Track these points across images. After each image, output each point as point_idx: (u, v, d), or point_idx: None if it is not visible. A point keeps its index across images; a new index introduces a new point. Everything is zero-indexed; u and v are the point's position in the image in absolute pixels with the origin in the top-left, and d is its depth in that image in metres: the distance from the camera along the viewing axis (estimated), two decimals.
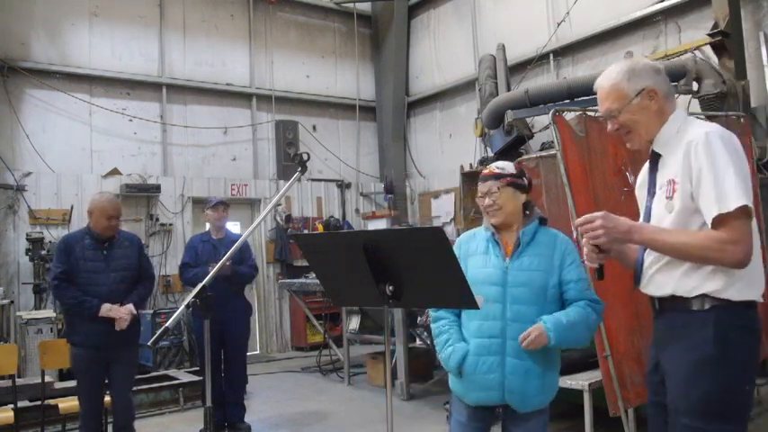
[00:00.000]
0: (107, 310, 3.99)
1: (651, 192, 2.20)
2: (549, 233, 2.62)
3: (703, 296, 2.00)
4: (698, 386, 1.99)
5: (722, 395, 1.97)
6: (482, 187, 2.63)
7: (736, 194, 1.91)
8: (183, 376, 6.55)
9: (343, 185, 10.89)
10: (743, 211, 1.91)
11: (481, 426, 2.62)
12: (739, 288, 1.98)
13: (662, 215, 2.11)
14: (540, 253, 2.54)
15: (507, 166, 2.64)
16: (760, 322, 2.07)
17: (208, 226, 5.55)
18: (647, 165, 2.27)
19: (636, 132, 2.18)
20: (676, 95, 6.38)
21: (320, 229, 9.80)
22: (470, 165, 9.05)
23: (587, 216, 2.08)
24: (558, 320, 2.44)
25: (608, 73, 2.20)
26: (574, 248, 2.58)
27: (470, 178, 9.11)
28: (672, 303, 2.09)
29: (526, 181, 2.63)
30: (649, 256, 2.16)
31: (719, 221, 1.93)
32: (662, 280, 2.11)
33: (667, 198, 2.08)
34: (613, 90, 2.16)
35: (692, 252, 1.98)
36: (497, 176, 2.59)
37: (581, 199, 3.89)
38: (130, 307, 4.09)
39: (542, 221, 2.64)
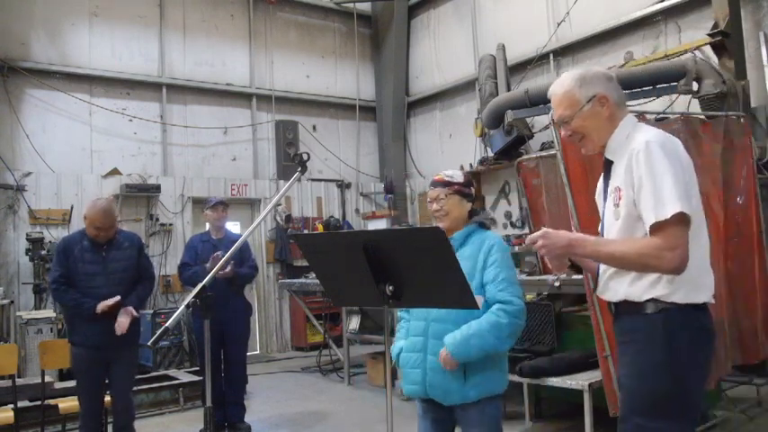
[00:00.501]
0: (103, 306, 3.98)
1: (605, 198, 2.26)
2: (482, 236, 2.71)
3: (654, 300, 2.06)
4: (646, 386, 2.05)
5: (669, 395, 2.03)
6: (431, 193, 2.77)
7: (672, 201, 1.95)
8: (183, 376, 6.55)
9: (343, 185, 10.89)
10: (679, 219, 1.95)
11: (434, 417, 2.72)
12: (685, 292, 2.04)
13: (611, 222, 2.18)
14: (467, 256, 2.63)
15: (456, 175, 2.78)
16: (711, 322, 2.12)
17: (208, 226, 5.56)
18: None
19: (588, 138, 2.24)
20: (676, 95, 6.41)
21: (320, 229, 9.80)
22: (470, 165, 9.06)
23: (530, 236, 2.15)
24: (454, 338, 2.54)
25: (561, 80, 2.27)
26: (499, 249, 2.65)
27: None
28: (626, 307, 2.15)
29: (473, 190, 2.80)
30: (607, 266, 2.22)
31: (656, 228, 1.98)
32: (614, 286, 2.18)
33: (615, 206, 2.14)
34: (566, 97, 2.22)
35: (631, 260, 2.03)
36: (446, 184, 2.73)
37: (581, 199, 3.88)
38: (130, 309, 4.08)
39: (482, 225, 2.75)
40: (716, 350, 2.17)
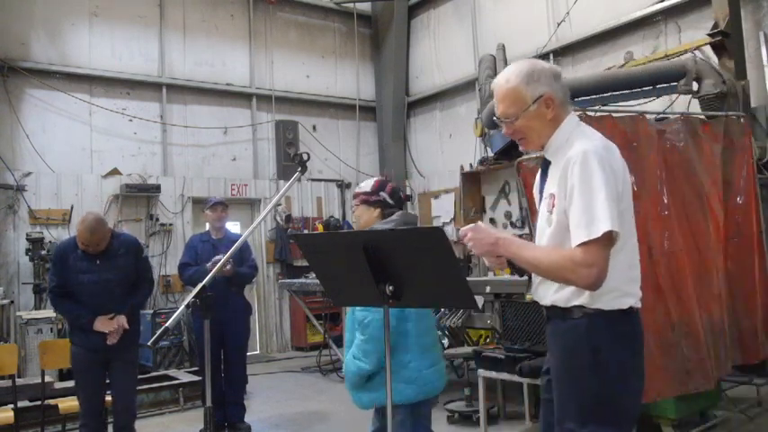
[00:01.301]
0: (100, 325, 4.00)
1: (540, 199, 2.24)
2: None
3: (579, 306, 2.06)
4: (575, 391, 2.05)
5: (597, 399, 2.01)
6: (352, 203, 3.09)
7: (604, 220, 1.92)
8: (183, 376, 6.55)
9: (343, 185, 10.89)
10: (607, 237, 1.93)
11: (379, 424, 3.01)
12: (609, 299, 2.03)
13: (543, 227, 2.16)
14: None
15: (365, 185, 3.00)
16: (638, 326, 2.11)
17: (207, 226, 5.56)
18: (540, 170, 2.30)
19: (530, 139, 2.19)
20: (676, 95, 6.40)
21: (320, 229, 9.79)
22: (470, 165, 9.06)
23: (462, 228, 2.13)
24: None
25: (507, 74, 2.17)
26: None
27: (470, 178, 9.12)
28: (554, 312, 2.15)
29: (383, 196, 2.94)
30: None
31: (581, 243, 1.95)
32: (542, 291, 2.19)
33: (548, 212, 2.12)
34: (511, 93, 2.14)
35: (548, 269, 2.03)
36: (355, 195, 3.02)
37: None
38: (122, 320, 4.06)
39: None
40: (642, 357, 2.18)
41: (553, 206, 2.08)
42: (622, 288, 2.05)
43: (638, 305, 2.10)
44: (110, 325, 4.00)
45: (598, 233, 1.91)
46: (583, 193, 1.96)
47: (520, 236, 2.49)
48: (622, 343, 2.05)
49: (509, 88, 2.14)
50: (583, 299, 2.04)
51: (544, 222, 2.14)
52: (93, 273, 4.06)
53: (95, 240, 4.02)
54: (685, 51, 6.55)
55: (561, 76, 2.19)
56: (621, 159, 2.09)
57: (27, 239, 7.55)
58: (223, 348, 5.24)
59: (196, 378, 6.30)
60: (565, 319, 2.09)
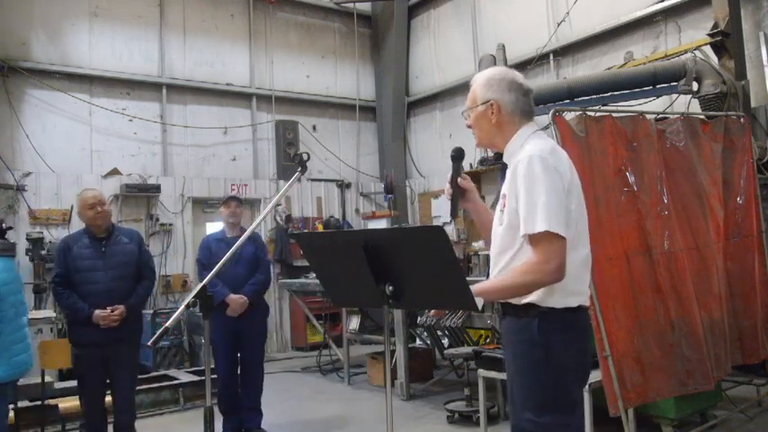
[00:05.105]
0: (99, 318, 4.00)
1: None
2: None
3: (531, 304, 2.19)
4: (532, 384, 2.20)
5: (553, 391, 2.17)
6: None
7: (541, 220, 2.07)
8: (183, 376, 6.56)
9: (343, 185, 10.89)
10: (547, 235, 2.07)
11: None
12: (559, 297, 2.17)
13: (496, 225, 2.32)
14: None
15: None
16: (586, 322, 2.31)
17: (222, 224, 5.26)
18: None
19: (475, 134, 2.44)
20: (676, 95, 6.40)
21: (320, 229, 9.80)
22: (470, 165, 9.06)
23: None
24: None
25: (480, 73, 2.43)
26: None
27: (470, 178, 9.11)
28: (508, 309, 2.30)
29: None
30: (493, 266, 2.34)
31: (531, 242, 2.11)
32: None
33: (500, 211, 2.29)
34: (472, 90, 2.41)
35: (517, 287, 2.17)
36: None
37: None
38: (121, 309, 4.06)
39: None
40: (591, 349, 2.39)
41: (504, 206, 2.25)
42: (570, 287, 2.18)
43: (587, 303, 2.26)
44: (109, 319, 4.00)
45: (535, 230, 2.07)
46: (525, 193, 2.12)
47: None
48: (572, 339, 2.21)
49: (474, 86, 2.40)
50: (534, 296, 2.17)
51: (497, 221, 2.31)
52: (99, 259, 4.07)
53: (100, 198, 4.08)
54: (685, 51, 6.55)
55: (523, 90, 2.34)
56: (569, 162, 2.24)
57: (27, 239, 7.55)
58: (240, 351, 4.78)
59: (196, 378, 6.29)
60: (519, 317, 2.23)
